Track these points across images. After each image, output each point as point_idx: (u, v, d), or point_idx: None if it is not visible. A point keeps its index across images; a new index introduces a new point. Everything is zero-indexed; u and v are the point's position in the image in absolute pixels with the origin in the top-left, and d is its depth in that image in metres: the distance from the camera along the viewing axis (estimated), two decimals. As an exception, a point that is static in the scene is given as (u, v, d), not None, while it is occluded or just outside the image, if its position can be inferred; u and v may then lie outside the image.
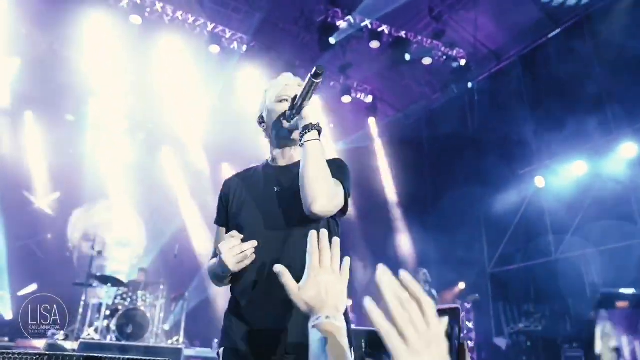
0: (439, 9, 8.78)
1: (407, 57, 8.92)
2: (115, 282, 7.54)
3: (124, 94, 10.26)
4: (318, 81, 1.56)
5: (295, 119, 1.70)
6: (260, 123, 1.91)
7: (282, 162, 1.85)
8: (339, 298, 1.05)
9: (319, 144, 1.61)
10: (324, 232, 1.12)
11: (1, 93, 9.67)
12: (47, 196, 10.72)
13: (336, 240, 1.15)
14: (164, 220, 11.52)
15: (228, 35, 9.12)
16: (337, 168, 1.69)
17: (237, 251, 1.54)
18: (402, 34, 9.02)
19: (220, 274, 1.68)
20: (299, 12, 9.00)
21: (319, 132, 1.64)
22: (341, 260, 1.16)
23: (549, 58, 8.31)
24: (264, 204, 1.75)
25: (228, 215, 1.83)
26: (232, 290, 1.74)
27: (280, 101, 1.80)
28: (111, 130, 11.13)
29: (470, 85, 9.67)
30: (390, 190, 11.39)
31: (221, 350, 1.65)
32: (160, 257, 10.85)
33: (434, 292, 7.72)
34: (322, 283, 1.05)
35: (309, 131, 1.62)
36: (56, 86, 9.61)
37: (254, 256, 1.57)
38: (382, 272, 0.72)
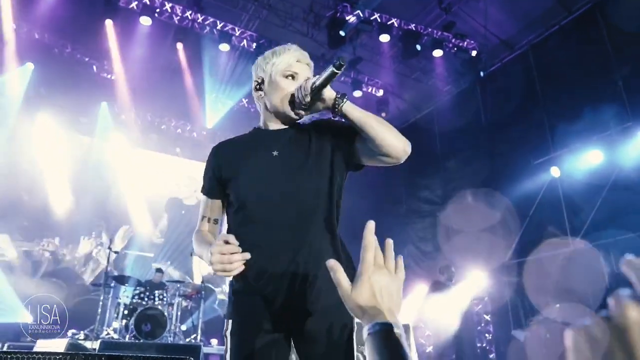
0: (448, 0, 8.70)
1: (418, 48, 8.85)
2: (133, 282, 7.61)
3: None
4: (339, 72, 1.53)
5: (313, 105, 1.66)
6: (257, 89, 1.81)
7: (274, 127, 1.78)
8: (395, 301, 0.96)
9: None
10: (372, 224, 1.00)
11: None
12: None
13: (389, 241, 1.03)
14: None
15: (237, 33, 9.14)
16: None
17: (226, 261, 1.42)
18: (412, 26, 8.95)
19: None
20: (308, 8, 8.97)
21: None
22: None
23: (562, 46, 8.18)
24: (263, 170, 1.67)
25: (220, 184, 1.74)
26: None
27: (287, 76, 1.73)
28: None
29: (482, 75, 9.57)
30: (401, 184, 11.34)
31: (229, 322, 1.62)
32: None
33: (450, 283, 7.70)
34: (376, 284, 0.94)
35: (344, 100, 1.60)
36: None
37: (242, 267, 1.45)
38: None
